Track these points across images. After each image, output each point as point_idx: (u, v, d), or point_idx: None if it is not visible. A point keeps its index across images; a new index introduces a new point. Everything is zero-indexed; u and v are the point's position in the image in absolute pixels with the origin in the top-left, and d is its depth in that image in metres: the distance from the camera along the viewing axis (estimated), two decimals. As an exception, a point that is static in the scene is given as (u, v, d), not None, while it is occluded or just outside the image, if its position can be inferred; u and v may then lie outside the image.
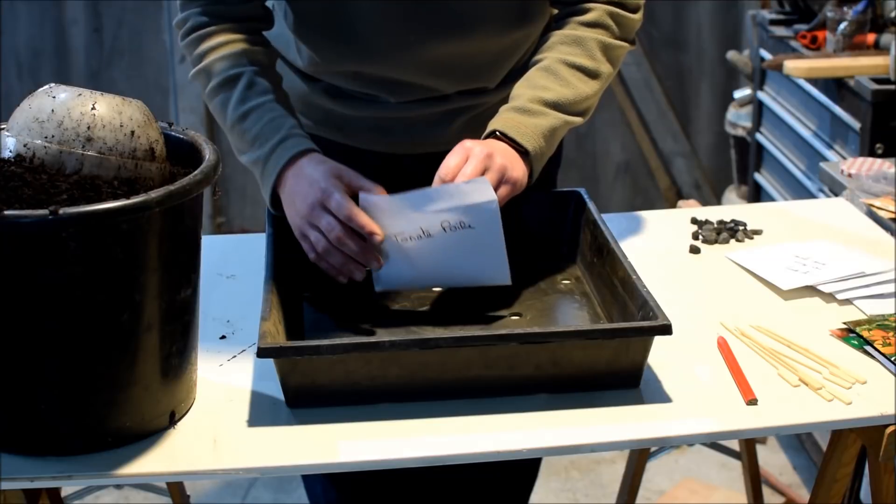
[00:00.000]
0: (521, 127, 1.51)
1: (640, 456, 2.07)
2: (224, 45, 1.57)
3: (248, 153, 1.55)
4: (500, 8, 1.60)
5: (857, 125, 2.60)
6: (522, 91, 1.56)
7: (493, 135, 1.51)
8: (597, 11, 1.60)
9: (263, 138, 1.52)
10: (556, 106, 1.55)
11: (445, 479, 1.95)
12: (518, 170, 1.48)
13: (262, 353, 1.25)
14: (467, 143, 1.47)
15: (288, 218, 1.51)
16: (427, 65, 1.63)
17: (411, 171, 1.74)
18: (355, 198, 1.45)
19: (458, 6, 1.57)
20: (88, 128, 1.21)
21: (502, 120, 1.53)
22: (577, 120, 1.57)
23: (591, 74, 1.58)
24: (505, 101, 1.71)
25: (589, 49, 1.58)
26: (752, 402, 1.31)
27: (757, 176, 3.29)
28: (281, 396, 1.31)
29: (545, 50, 1.60)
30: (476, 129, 1.72)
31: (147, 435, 1.25)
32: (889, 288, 1.56)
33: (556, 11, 1.68)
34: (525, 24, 1.65)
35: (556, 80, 1.56)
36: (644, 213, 1.87)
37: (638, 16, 1.63)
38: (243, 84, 1.55)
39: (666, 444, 1.48)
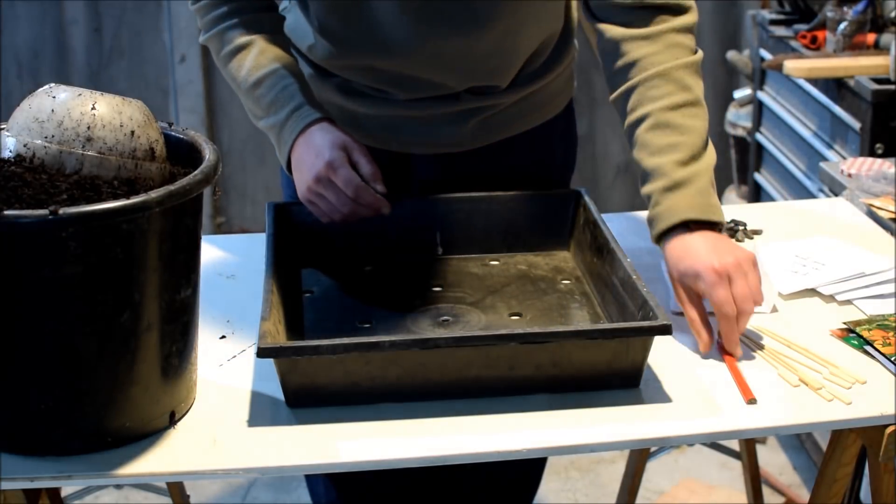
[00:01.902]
0: (698, 207, 1.45)
1: (640, 456, 2.07)
2: (236, 12, 1.61)
3: (263, 119, 1.61)
4: (517, 6, 1.60)
5: (857, 125, 2.60)
6: (655, 162, 1.48)
7: (682, 226, 1.45)
8: (663, 37, 1.53)
9: (279, 104, 1.59)
10: (693, 158, 1.48)
11: (447, 480, 1.95)
12: (713, 257, 1.40)
13: (262, 353, 1.25)
14: (677, 291, 1.44)
15: (295, 182, 1.59)
16: (442, 59, 1.62)
17: (424, 170, 1.75)
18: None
19: (475, 3, 1.57)
20: (88, 128, 1.21)
21: (666, 212, 1.46)
22: (713, 157, 1.50)
23: (698, 104, 1.52)
24: (518, 103, 1.72)
25: (677, 79, 1.51)
26: (752, 401, 1.31)
27: (757, 176, 3.29)
28: (281, 396, 1.31)
29: (639, 103, 1.51)
30: (489, 132, 1.72)
31: (147, 435, 1.25)
32: (889, 288, 1.56)
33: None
34: (541, 23, 1.65)
35: (679, 133, 1.49)
36: (644, 213, 1.87)
37: (695, 15, 1.56)
38: (256, 51, 1.60)
39: (666, 444, 1.48)
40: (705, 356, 1.41)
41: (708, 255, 1.40)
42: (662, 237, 1.48)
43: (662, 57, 1.52)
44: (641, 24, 1.54)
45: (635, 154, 1.52)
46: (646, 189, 1.50)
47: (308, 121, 1.57)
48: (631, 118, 1.53)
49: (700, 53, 1.56)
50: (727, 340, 1.39)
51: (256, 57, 1.60)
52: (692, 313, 1.42)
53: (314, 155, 1.54)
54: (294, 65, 1.63)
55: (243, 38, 1.61)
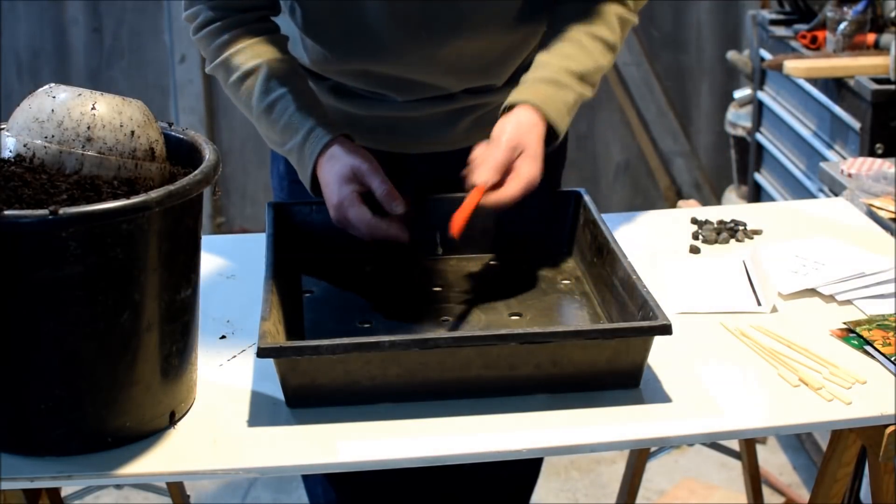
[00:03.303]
0: (553, 102, 1.53)
1: (640, 456, 2.07)
2: (239, 37, 1.59)
3: (281, 144, 1.59)
4: (510, 5, 1.60)
5: (857, 125, 2.60)
6: (548, 60, 1.57)
7: (523, 104, 1.52)
8: None
9: (294, 128, 1.57)
10: (581, 77, 1.57)
11: (446, 480, 1.95)
12: (538, 168, 1.50)
13: (262, 353, 1.25)
14: (503, 146, 1.49)
15: None
16: (436, 62, 1.62)
17: (417, 170, 1.75)
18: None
19: (467, 4, 1.57)
20: (88, 128, 1.21)
21: (533, 91, 1.54)
22: (591, 93, 1.60)
23: (611, 47, 1.61)
24: None
25: (609, 22, 1.60)
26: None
27: (757, 176, 3.29)
28: (281, 396, 1.31)
29: (564, 20, 1.61)
30: (482, 129, 1.72)
31: (147, 435, 1.25)
32: (889, 288, 1.56)
33: None
34: (534, 21, 1.65)
35: (581, 50, 1.57)
36: (644, 213, 1.87)
37: None
38: (263, 75, 1.58)
39: (666, 444, 1.48)
40: (707, 356, 1.41)
41: (539, 161, 1.50)
42: (518, 107, 1.53)
43: (604, 3, 1.61)
44: None
45: (534, 54, 1.60)
46: (526, 75, 1.58)
47: (323, 143, 1.54)
48: (549, 31, 1.62)
49: (636, 19, 1.66)
50: (503, 199, 1.47)
51: (265, 81, 1.57)
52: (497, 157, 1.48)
53: (328, 191, 1.53)
54: (304, 83, 1.61)
55: (250, 64, 1.58)
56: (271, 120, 1.58)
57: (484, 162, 1.48)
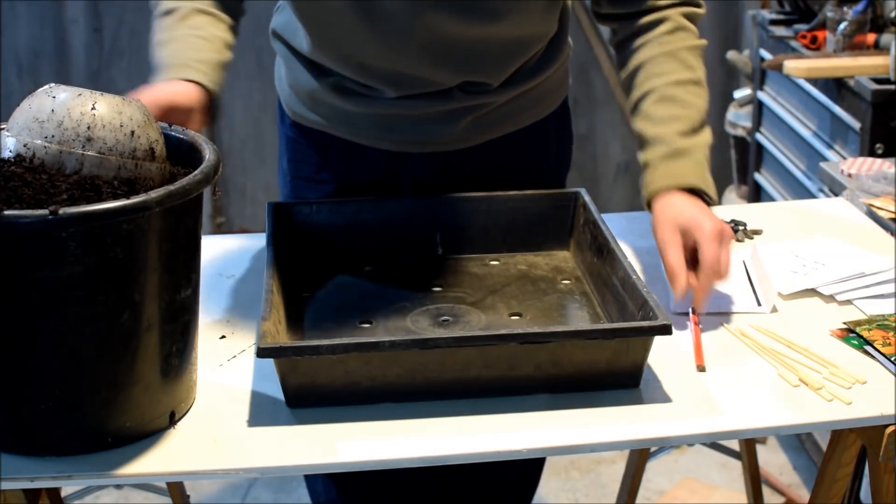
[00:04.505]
0: (684, 175, 1.57)
1: (640, 456, 2.07)
2: None
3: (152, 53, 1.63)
4: (516, 4, 1.59)
5: (857, 125, 2.60)
6: (657, 133, 1.60)
7: (679, 191, 1.56)
8: (671, 20, 1.65)
9: (160, 48, 1.62)
10: (693, 131, 1.60)
11: (448, 477, 1.95)
12: (712, 218, 1.50)
13: (262, 353, 1.25)
14: (667, 235, 1.51)
15: None
16: (431, 51, 1.60)
17: (417, 169, 1.75)
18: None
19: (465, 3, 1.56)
20: (88, 128, 1.21)
21: (662, 175, 1.57)
22: (709, 135, 1.62)
23: (698, 83, 1.64)
24: (511, 101, 1.71)
25: (683, 60, 1.63)
26: (701, 368, 1.37)
27: (757, 176, 3.29)
28: (281, 396, 1.31)
29: (644, 80, 1.63)
30: (482, 130, 1.72)
31: (147, 435, 1.25)
32: (889, 288, 1.56)
33: (615, 27, 1.71)
34: (538, 21, 1.65)
35: (677, 104, 1.61)
36: (644, 213, 1.87)
37: (703, 9, 1.69)
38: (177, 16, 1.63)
39: (666, 444, 1.48)
40: (706, 356, 1.41)
41: (708, 216, 1.50)
42: (658, 197, 1.57)
43: (670, 38, 1.65)
44: (654, 11, 1.66)
45: (637, 124, 1.64)
46: (645, 155, 1.61)
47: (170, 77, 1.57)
48: (637, 93, 1.65)
49: (704, 41, 1.68)
50: (701, 294, 1.47)
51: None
52: (678, 259, 1.48)
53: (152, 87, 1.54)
54: (202, 24, 1.64)
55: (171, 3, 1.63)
56: (155, 28, 1.62)
57: (672, 278, 1.48)
